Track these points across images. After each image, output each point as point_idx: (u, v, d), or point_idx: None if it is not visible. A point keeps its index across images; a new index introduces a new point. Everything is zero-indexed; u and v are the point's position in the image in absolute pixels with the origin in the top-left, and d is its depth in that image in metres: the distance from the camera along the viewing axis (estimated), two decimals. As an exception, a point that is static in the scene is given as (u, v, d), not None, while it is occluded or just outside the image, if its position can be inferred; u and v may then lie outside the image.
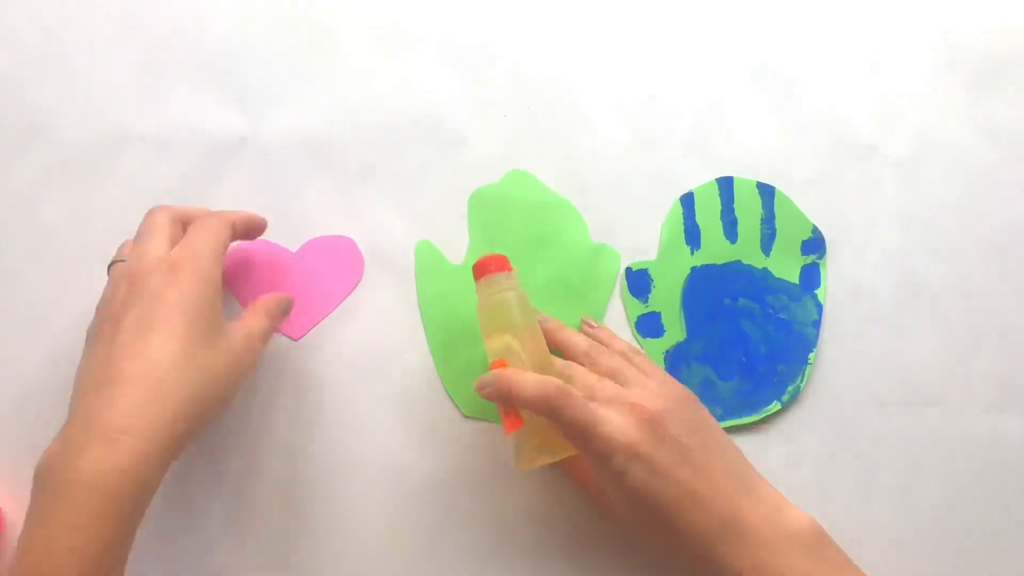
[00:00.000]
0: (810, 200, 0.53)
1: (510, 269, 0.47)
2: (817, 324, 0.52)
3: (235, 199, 0.52)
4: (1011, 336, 0.53)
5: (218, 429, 0.50)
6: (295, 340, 0.51)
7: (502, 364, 0.45)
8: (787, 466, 0.52)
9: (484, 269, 0.46)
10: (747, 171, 0.53)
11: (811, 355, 0.52)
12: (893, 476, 0.52)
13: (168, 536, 0.49)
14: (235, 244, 0.49)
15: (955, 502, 0.51)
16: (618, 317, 0.52)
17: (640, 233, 0.53)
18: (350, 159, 0.53)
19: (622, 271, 0.53)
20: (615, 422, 0.42)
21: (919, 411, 0.52)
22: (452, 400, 0.51)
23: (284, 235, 0.52)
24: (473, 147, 0.53)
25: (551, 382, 0.41)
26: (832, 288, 0.53)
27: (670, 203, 0.53)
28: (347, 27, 0.53)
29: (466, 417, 0.51)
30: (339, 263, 0.52)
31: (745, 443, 0.52)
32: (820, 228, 0.53)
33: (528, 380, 0.42)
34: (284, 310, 0.48)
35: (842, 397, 0.52)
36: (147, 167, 0.52)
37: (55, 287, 0.51)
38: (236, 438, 0.50)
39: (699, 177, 0.53)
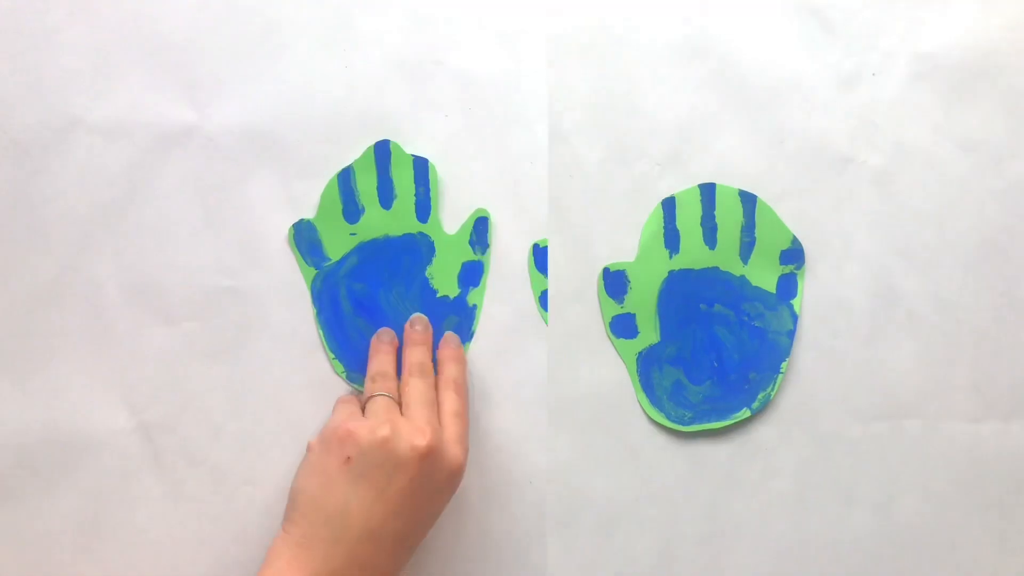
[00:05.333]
0: (786, 212, 0.53)
1: None
2: (792, 334, 0.52)
3: (180, 189, 0.52)
4: (988, 345, 0.53)
5: (181, 454, 0.52)
6: None
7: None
8: (764, 479, 0.52)
9: None
10: (723, 182, 0.53)
11: (783, 364, 0.52)
12: (871, 488, 0.52)
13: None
14: None
15: (934, 513, 0.51)
16: (594, 317, 0.53)
17: (618, 237, 0.53)
18: (295, 151, 0.52)
19: (600, 271, 0.53)
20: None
21: (897, 422, 0.52)
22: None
23: (226, 224, 0.52)
24: (418, 145, 0.53)
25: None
26: (808, 299, 0.53)
27: (647, 213, 0.53)
28: (296, 21, 0.53)
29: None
30: None
31: (722, 455, 0.52)
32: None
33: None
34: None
35: (819, 409, 0.52)
36: (95, 154, 0.52)
37: (1, 273, 0.51)
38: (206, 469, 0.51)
39: (676, 189, 0.53)
